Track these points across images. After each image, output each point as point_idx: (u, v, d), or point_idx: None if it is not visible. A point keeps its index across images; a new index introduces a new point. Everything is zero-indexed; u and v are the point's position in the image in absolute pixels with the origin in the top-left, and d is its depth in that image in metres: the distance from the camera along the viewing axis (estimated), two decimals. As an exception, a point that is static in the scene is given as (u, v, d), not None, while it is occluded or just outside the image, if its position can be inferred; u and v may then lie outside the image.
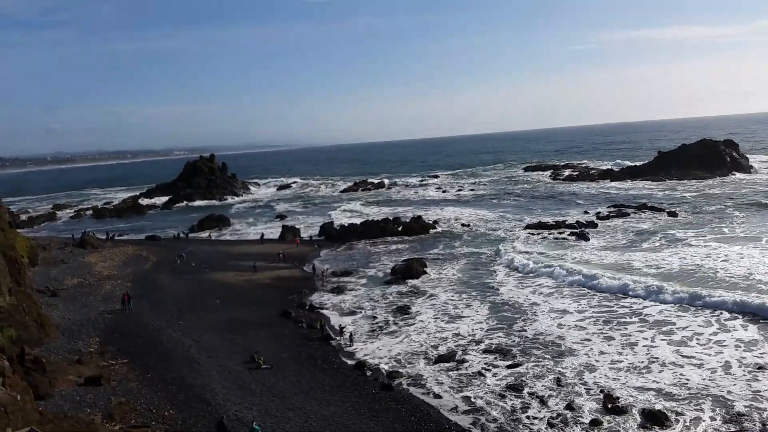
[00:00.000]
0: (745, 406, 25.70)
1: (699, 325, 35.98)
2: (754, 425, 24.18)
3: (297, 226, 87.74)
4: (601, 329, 36.83)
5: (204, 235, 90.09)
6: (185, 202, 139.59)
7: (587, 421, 25.59)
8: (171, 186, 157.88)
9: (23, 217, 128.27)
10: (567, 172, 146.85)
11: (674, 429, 24.50)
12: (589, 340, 35.21)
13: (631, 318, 38.44)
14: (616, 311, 40.02)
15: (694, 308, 38.92)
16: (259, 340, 38.38)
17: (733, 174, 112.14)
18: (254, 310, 45.67)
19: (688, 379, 28.85)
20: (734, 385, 27.89)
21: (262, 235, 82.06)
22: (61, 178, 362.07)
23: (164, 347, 36.36)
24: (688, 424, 24.79)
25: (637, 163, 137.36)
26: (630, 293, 43.20)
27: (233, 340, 38.51)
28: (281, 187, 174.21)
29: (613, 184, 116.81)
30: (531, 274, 51.39)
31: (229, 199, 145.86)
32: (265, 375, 32.34)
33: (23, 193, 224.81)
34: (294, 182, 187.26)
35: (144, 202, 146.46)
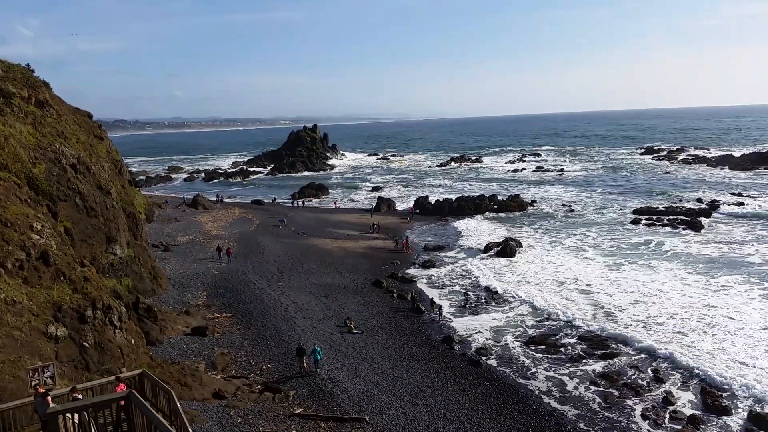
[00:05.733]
0: None
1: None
2: None
3: (392, 199, 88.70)
4: (710, 320, 34.45)
5: (308, 203, 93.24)
6: (288, 170, 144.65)
7: (685, 417, 24.25)
8: (276, 154, 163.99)
9: (142, 176, 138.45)
10: (681, 156, 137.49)
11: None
12: (694, 330, 33.09)
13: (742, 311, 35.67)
14: (726, 303, 37.25)
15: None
16: (351, 306, 39.47)
17: None
18: (347, 276, 46.89)
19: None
20: None
21: (373, 205, 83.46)
22: (177, 142, 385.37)
23: (265, 305, 38.30)
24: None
25: (761, 150, 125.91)
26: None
27: (327, 303, 39.85)
28: (379, 159, 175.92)
29: (733, 171, 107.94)
30: (632, 264, 48.91)
31: (329, 169, 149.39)
32: (355, 339, 33.28)
33: (143, 154, 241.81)
34: (392, 155, 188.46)
35: (251, 168, 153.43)
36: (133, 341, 24.38)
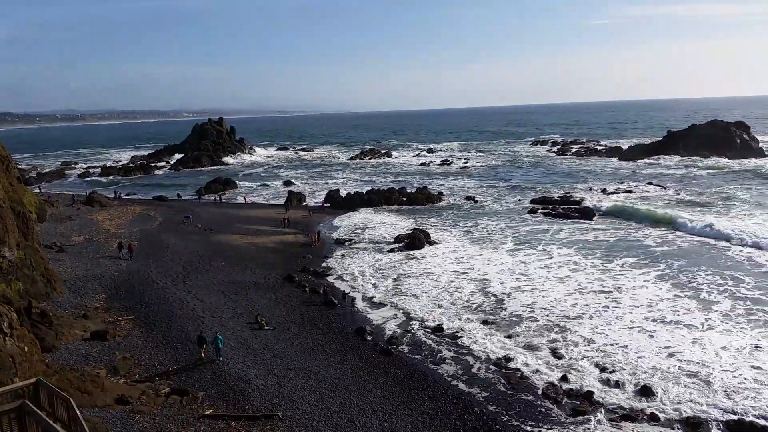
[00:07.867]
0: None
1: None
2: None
3: (303, 193, 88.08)
4: (599, 303, 36.99)
5: (229, 199, 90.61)
6: (192, 164, 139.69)
7: (582, 392, 25.98)
8: (179, 147, 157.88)
9: (32, 173, 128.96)
10: (575, 148, 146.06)
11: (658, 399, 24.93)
12: (584, 314, 35.32)
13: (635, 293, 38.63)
14: (616, 286, 40.15)
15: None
16: (262, 302, 38.94)
17: (749, 157, 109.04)
18: (258, 273, 46.18)
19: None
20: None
21: (287, 200, 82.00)
22: (71, 135, 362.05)
23: (169, 306, 36.99)
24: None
25: (645, 141, 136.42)
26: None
27: (237, 301, 39.08)
28: (289, 153, 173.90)
29: (620, 161, 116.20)
30: (528, 251, 51.59)
31: (236, 163, 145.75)
32: (267, 336, 32.93)
33: (33, 149, 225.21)
34: (302, 148, 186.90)
35: (152, 162, 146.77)
36: (26, 349, 22.85)
